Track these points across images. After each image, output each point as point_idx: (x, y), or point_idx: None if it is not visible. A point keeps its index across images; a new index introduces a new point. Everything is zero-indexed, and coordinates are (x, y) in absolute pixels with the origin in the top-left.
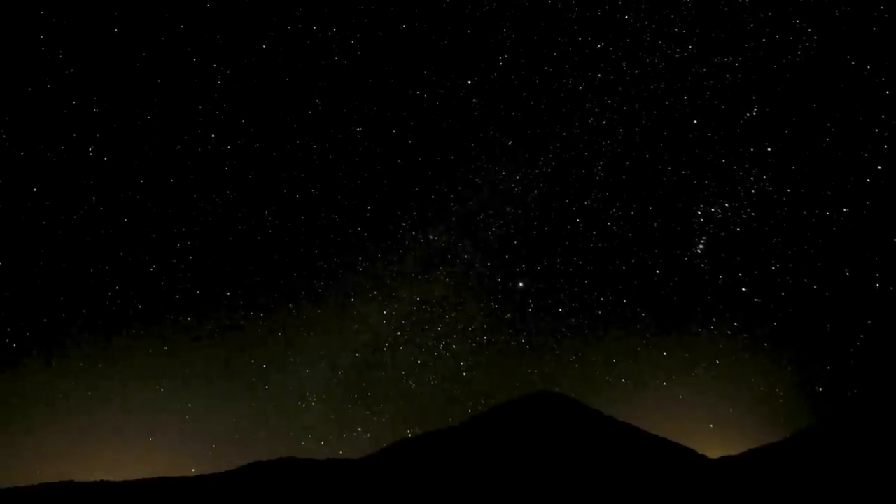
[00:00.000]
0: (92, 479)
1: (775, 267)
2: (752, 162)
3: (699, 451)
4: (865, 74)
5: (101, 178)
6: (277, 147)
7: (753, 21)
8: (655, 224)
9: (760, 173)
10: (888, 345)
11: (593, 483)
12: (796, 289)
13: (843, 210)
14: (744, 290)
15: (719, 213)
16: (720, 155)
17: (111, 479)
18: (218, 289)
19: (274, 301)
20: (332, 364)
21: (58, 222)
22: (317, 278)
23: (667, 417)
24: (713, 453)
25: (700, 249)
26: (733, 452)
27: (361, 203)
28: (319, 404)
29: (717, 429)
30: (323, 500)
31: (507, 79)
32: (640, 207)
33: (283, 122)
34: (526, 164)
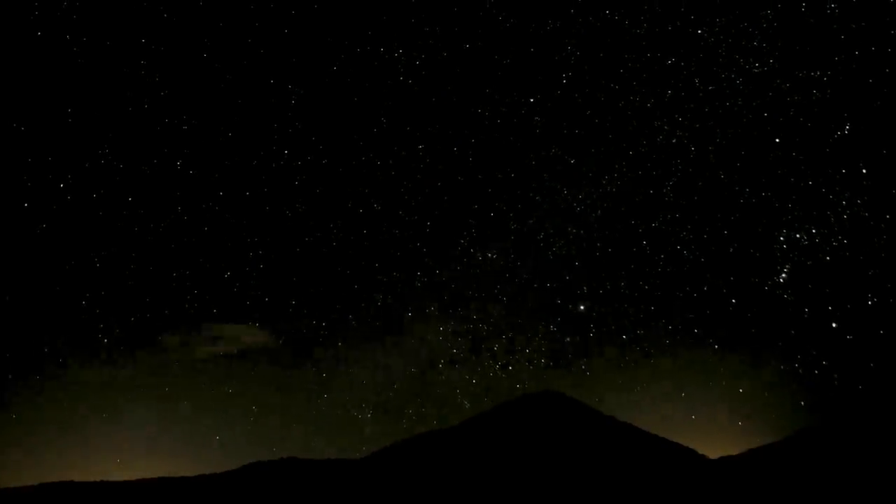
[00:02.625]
0: (92, 479)
1: (872, 301)
2: (844, 184)
3: (699, 451)
4: None
5: (188, 190)
6: (343, 163)
7: (843, 32)
8: (731, 250)
9: (853, 197)
10: (888, 345)
11: (594, 482)
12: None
13: None
14: (834, 325)
15: (805, 240)
16: (806, 176)
17: (111, 479)
18: (285, 297)
19: (335, 311)
20: (388, 377)
21: (147, 230)
22: (376, 291)
23: (667, 417)
24: (713, 453)
25: (783, 279)
26: (733, 452)
27: (421, 219)
28: (375, 416)
29: (717, 429)
30: (323, 500)
31: (571, 96)
32: (715, 232)
33: (349, 140)
34: (589, 183)
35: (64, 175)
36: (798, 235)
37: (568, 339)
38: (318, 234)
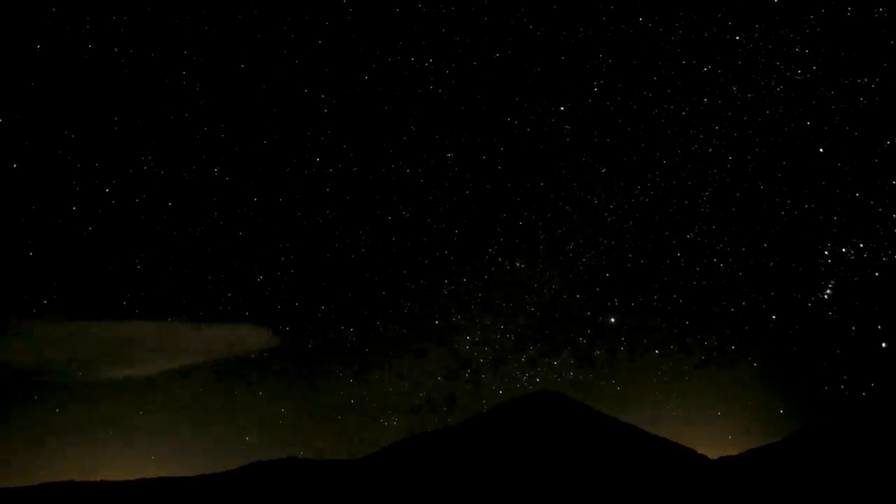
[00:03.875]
0: (92, 479)
1: None
2: (893, 196)
3: (699, 451)
4: None
5: (223, 195)
6: (373, 171)
7: (893, 37)
8: (772, 264)
9: None
10: (887, 345)
11: (594, 482)
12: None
13: None
14: (884, 345)
15: (852, 255)
16: (853, 188)
17: (111, 479)
18: (314, 302)
19: (364, 317)
20: (415, 385)
21: (185, 233)
22: (404, 298)
23: (667, 418)
24: (713, 453)
25: (827, 295)
26: (733, 452)
27: (449, 227)
28: (401, 423)
29: (717, 429)
30: (323, 500)
31: (602, 104)
32: (754, 244)
33: (379, 148)
34: (621, 193)
35: (109, 180)
36: (844, 249)
37: (598, 351)
38: (348, 241)
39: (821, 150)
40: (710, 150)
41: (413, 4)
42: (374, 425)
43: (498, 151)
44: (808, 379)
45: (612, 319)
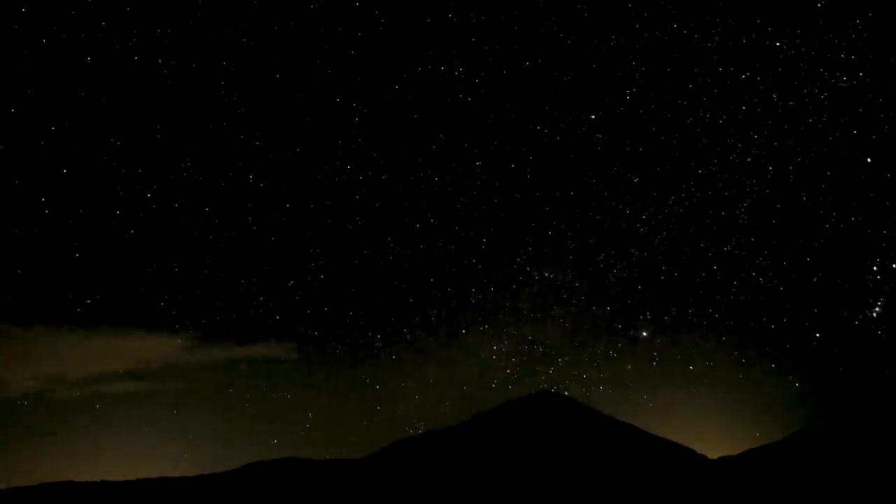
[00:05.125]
0: (92, 479)
1: None
2: None
3: (699, 452)
4: None
5: (257, 202)
6: (402, 179)
7: None
8: (815, 279)
9: None
10: (887, 345)
11: (594, 483)
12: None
13: None
14: None
15: None
16: None
17: (111, 479)
18: (342, 308)
19: (391, 325)
20: (441, 394)
21: (220, 238)
22: (430, 306)
23: (667, 418)
24: (713, 453)
25: (876, 313)
26: (733, 452)
27: (477, 235)
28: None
29: (717, 429)
30: (323, 500)
31: (635, 112)
32: (796, 258)
33: (409, 156)
34: (654, 203)
35: (151, 186)
36: (895, 265)
37: (629, 366)
38: (376, 248)
39: (868, 159)
40: (749, 159)
41: (443, 14)
42: (401, 434)
43: (527, 160)
44: (807, 380)
45: (644, 333)
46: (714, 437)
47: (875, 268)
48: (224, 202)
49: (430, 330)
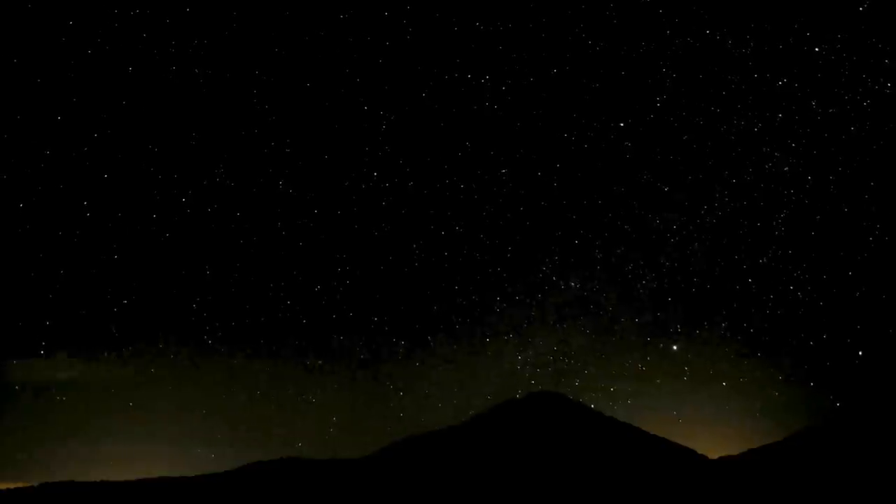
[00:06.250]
0: (92, 479)
1: None
2: None
3: (699, 452)
4: None
5: (286, 209)
6: (428, 186)
7: None
8: (858, 294)
9: None
10: (887, 345)
11: (594, 483)
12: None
13: None
14: None
15: None
16: None
17: (111, 479)
18: (366, 314)
19: (415, 332)
20: (465, 403)
21: (250, 242)
22: (454, 314)
23: (667, 417)
24: (713, 453)
25: None
26: (733, 452)
27: (503, 244)
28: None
29: (717, 429)
30: (323, 500)
31: (665, 120)
32: (838, 274)
33: (434, 163)
34: (685, 213)
35: (186, 191)
36: None
37: (658, 380)
38: (402, 255)
39: None
40: (786, 169)
41: (471, 21)
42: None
43: (554, 168)
44: (807, 380)
45: (675, 347)
46: (714, 438)
47: None
48: (254, 208)
49: (454, 338)
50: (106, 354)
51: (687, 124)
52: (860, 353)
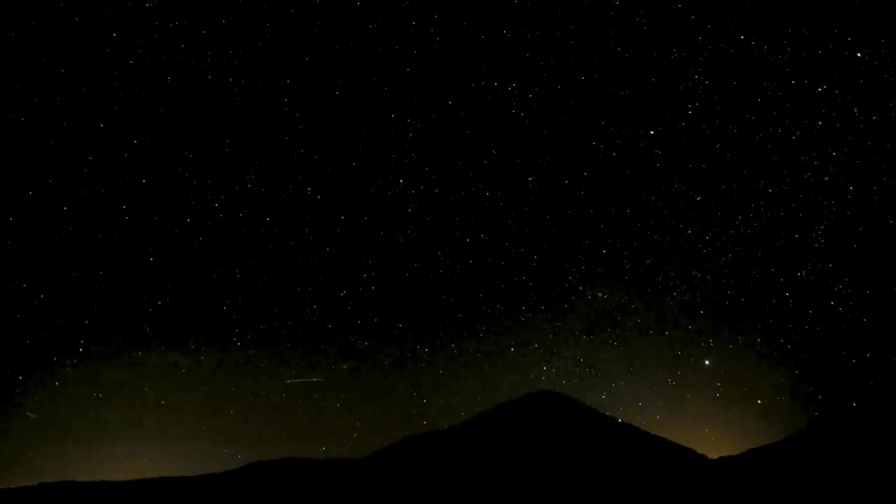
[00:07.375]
0: (92, 479)
1: None
2: None
3: (699, 452)
4: None
5: (314, 214)
6: (454, 193)
7: None
8: None
9: None
10: (886, 345)
11: (594, 482)
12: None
13: None
14: None
15: None
16: None
17: (111, 479)
18: (391, 319)
19: (438, 338)
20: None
21: (275, 246)
22: (479, 321)
23: (667, 417)
24: (713, 453)
25: None
26: (733, 452)
27: (529, 252)
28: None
29: (717, 429)
30: (323, 500)
31: (698, 128)
32: (882, 287)
33: (460, 171)
34: (718, 223)
35: (215, 197)
36: None
37: (688, 395)
38: (427, 261)
39: None
40: (827, 178)
41: (498, 29)
42: None
43: (582, 176)
44: (806, 380)
45: (707, 362)
46: (714, 438)
47: None
48: (283, 213)
49: (478, 346)
50: (140, 354)
51: (720, 132)
52: (867, 354)
